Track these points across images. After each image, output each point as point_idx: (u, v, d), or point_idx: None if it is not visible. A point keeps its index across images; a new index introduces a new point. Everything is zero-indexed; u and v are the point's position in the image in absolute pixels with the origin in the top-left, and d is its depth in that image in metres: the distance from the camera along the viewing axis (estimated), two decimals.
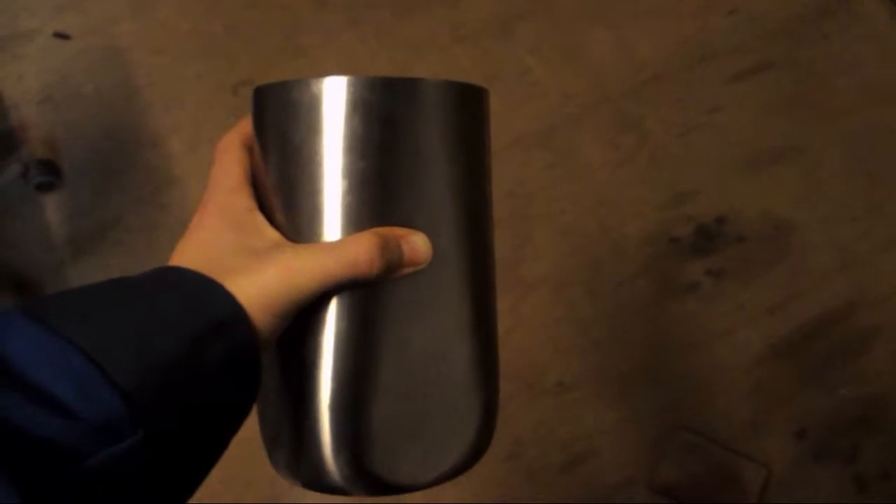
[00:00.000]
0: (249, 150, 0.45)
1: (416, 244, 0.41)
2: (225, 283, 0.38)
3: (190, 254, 0.41)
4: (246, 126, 0.45)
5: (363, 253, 0.39)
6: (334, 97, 0.41)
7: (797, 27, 1.45)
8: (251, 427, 0.41)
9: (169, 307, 0.37)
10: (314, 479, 0.42)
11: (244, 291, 0.38)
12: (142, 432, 0.33)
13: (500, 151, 1.36)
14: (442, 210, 0.43)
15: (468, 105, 0.44)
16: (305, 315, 0.41)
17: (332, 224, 0.41)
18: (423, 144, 0.42)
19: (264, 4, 1.43)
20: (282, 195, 0.42)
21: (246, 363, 0.38)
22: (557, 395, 1.16)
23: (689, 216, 1.28)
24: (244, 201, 0.42)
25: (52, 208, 1.32)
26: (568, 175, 1.31)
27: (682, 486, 1.12)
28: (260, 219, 0.42)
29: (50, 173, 1.32)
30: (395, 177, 0.41)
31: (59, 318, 0.35)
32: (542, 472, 1.13)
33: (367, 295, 0.41)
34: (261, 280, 0.39)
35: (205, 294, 0.38)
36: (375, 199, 0.41)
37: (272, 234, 0.42)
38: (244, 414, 0.39)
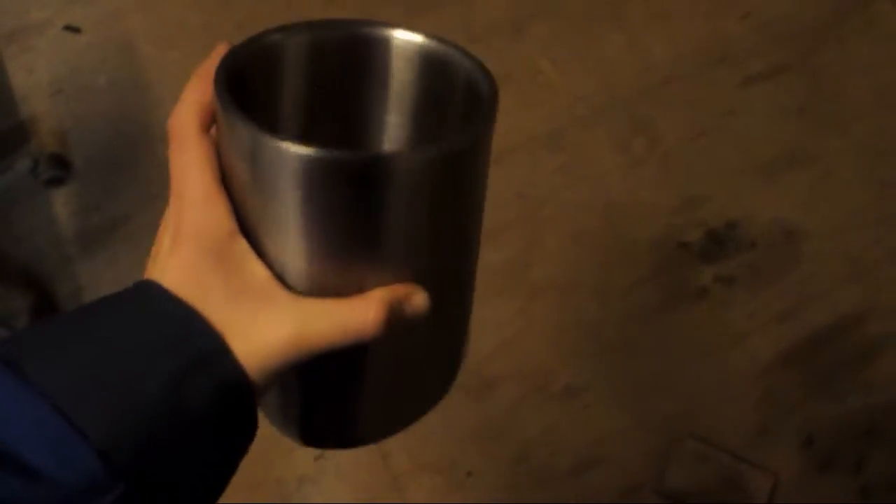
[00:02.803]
0: (209, 131, 0.39)
1: (419, 304, 0.39)
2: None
3: (165, 283, 0.36)
4: (200, 95, 0.38)
5: (371, 323, 0.36)
6: (305, 171, 0.35)
7: (811, 31, 1.44)
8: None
9: (146, 342, 0.34)
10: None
11: (235, 348, 0.35)
12: (122, 485, 0.32)
13: (511, 153, 1.35)
14: (437, 261, 0.41)
15: (463, 165, 0.40)
16: None
17: (329, 276, 0.38)
18: (420, 211, 0.38)
19: (275, 1, 1.42)
20: (264, 226, 0.38)
21: (236, 400, 0.35)
22: (566, 399, 1.16)
23: (699, 221, 1.28)
24: (223, 221, 0.37)
25: (62, 203, 1.32)
26: (578, 177, 1.30)
27: (689, 492, 1.12)
28: (244, 247, 0.37)
29: (60, 168, 1.32)
30: (387, 238, 0.38)
31: (31, 362, 0.32)
32: (549, 476, 1.12)
33: None
34: (257, 338, 0.35)
35: (184, 326, 0.35)
36: (372, 256, 0.38)
37: (260, 270, 0.37)
38: (240, 453, 0.37)
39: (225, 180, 0.38)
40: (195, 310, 0.35)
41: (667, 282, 1.24)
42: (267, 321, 0.36)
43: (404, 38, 0.43)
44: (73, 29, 1.47)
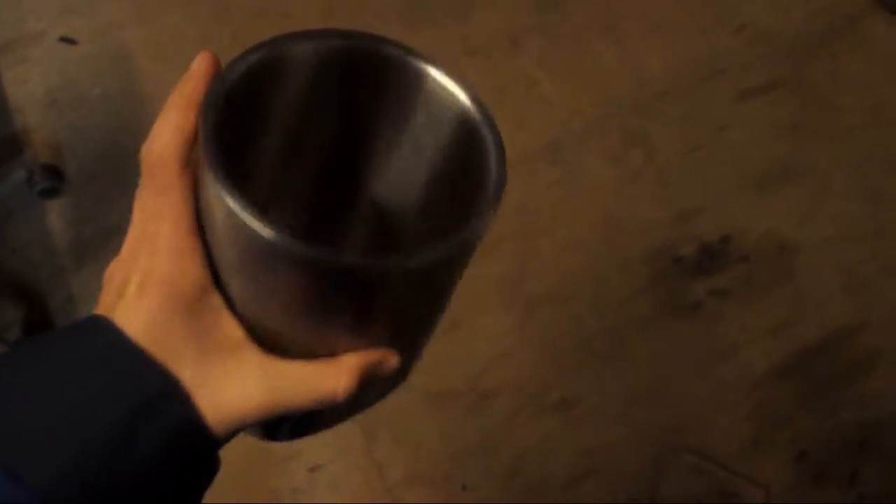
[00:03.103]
0: (192, 166, 0.35)
1: (391, 366, 0.37)
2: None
3: (133, 336, 0.33)
4: (180, 121, 0.34)
5: (343, 390, 0.35)
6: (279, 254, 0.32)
7: (805, 46, 1.45)
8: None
9: (95, 386, 0.32)
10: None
11: (202, 406, 0.33)
12: None
13: (508, 166, 1.35)
14: (414, 329, 0.40)
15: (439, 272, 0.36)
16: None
17: (302, 339, 0.36)
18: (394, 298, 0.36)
19: (272, 14, 1.43)
20: (238, 282, 0.35)
21: (192, 448, 0.33)
22: (561, 411, 1.16)
23: (693, 235, 1.28)
24: (197, 275, 0.34)
25: (56, 214, 1.31)
26: (574, 191, 1.31)
27: None
28: (217, 303, 0.34)
29: (54, 178, 1.31)
30: (365, 316, 0.36)
31: None
32: (544, 488, 1.12)
33: None
34: (224, 399, 0.34)
35: (135, 370, 0.33)
36: (348, 327, 0.36)
37: (232, 329, 0.35)
38: (199, 494, 0.36)
39: (202, 221, 0.35)
40: (148, 354, 0.33)
41: (661, 295, 1.24)
42: (236, 382, 0.34)
43: (444, 84, 0.39)
44: (68, 40, 1.47)
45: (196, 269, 0.34)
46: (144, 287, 0.34)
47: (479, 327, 1.18)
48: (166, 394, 0.32)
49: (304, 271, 0.32)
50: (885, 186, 1.34)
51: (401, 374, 0.46)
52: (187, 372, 0.33)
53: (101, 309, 0.35)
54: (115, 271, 0.36)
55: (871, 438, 1.18)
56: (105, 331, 0.33)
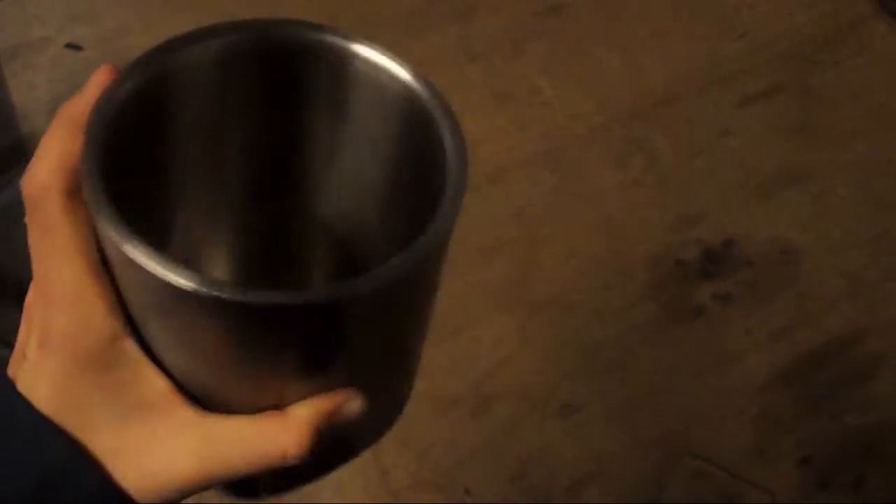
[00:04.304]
0: (79, 195, 0.28)
1: (352, 409, 0.32)
2: (110, 467, 0.28)
3: (40, 403, 0.29)
4: (66, 145, 0.29)
5: (293, 448, 0.30)
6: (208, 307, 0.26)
7: (807, 52, 1.45)
8: None
9: None
10: None
11: (126, 479, 0.28)
12: None
13: (509, 172, 1.36)
14: (376, 366, 0.34)
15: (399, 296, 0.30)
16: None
17: (241, 391, 0.30)
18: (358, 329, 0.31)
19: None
20: (156, 325, 0.29)
21: None
22: (564, 417, 1.16)
23: (697, 239, 1.28)
24: (103, 323, 0.28)
25: None
26: (576, 196, 1.31)
27: None
28: (133, 352, 0.29)
29: None
30: (309, 359, 0.30)
31: None
32: (547, 493, 1.12)
33: None
34: (153, 467, 0.29)
35: (32, 441, 0.28)
36: (292, 372, 0.30)
37: (155, 380, 0.30)
38: None
39: (104, 257, 0.30)
40: (52, 421, 0.28)
41: (664, 300, 1.24)
42: (163, 447, 0.29)
43: (376, 62, 0.33)
44: (74, 47, 1.48)
45: (99, 318, 0.29)
46: (43, 346, 0.29)
47: (481, 333, 1.18)
48: (71, 464, 0.28)
49: (230, 318, 0.27)
50: (888, 191, 1.34)
51: (394, 408, 0.41)
52: (104, 438, 0.29)
53: (11, 366, 0.31)
54: (21, 324, 0.31)
55: (876, 443, 1.18)
56: (6, 398, 0.29)
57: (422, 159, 0.32)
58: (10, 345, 1.12)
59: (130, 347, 0.30)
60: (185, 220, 0.37)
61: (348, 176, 0.37)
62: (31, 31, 1.50)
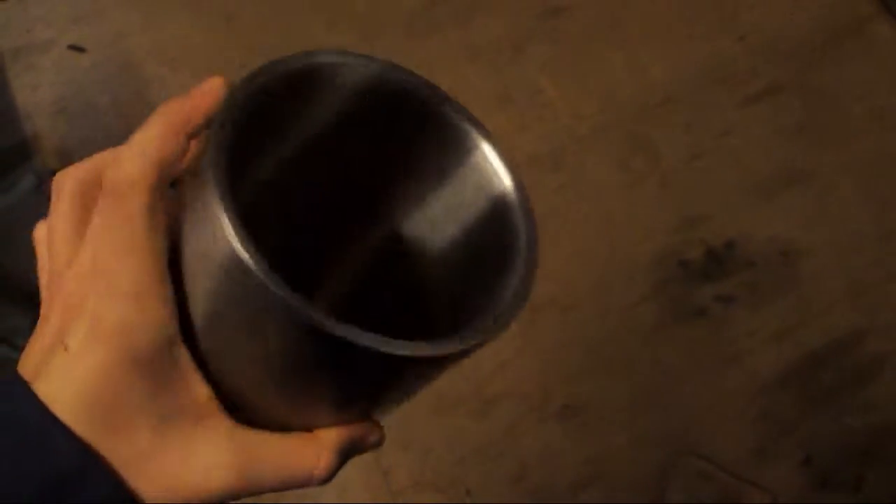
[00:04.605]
0: (164, 200, 0.29)
1: (371, 442, 0.34)
2: (136, 472, 0.28)
3: (74, 397, 0.28)
4: (166, 152, 0.29)
5: (322, 472, 0.31)
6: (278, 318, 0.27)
7: (809, 52, 1.45)
8: None
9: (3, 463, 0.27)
10: None
11: (155, 484, 0.28)
12: None
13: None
14: (394, 404, 0.37)
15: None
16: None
17: (280, 412, 0.32)
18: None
19: (279, 22, 1.44)
20: (212, 337, 0.30)
21: None
22: (565, 418, 1.16)
23: (698, 240, 1.28)
24: (164, 325, 0.28)
25: None
26: (578, 197, 1.31)
27: None
28: (185, 360, 0.29)
29: None
30: (360, 395, 0.33)
31: None
32: (548, 494, 1.12)
33: None
34: (187, 476, 0.29)
35: (41, 445, 0.27)
36: (335, 403, 0.32)
37: (200, 389, 0.30)
38: None
39: (173, 258, 0.30)
40: (60, 424, 0.27)
41: (666, 301, 1.24)
42: (201, 455, 0.29)
43: (492, 162, 0.36)
44: (77, 48, 1.48)
45: (164, 316, 0.28)
46: (93, 337, 0.28)
47: None
48: (82, 468, 0.27)
49: (312, 343, 0.27)
50: (890, 192, 1.34)
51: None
52: (138, 439, 0.28)
53: (33, 358, 0.30)
54: (49, 312, 0.31)
55: (877, 444, 1.18)
56: (17, 398, 0.29)
57: (492, 253, 0.37)
58: (14, 345, 1.13)
59: (182, 354, 0.29)
60: (263, 214, 0.38)
61: (426, 221, 0.40)
62: (34, 33, 1.50)
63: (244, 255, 0.26)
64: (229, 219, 0.27)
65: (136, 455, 0.28)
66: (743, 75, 1.42)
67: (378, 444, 0.34)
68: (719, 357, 1.21)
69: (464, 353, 0.31)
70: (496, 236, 0.37)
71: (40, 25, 1.51)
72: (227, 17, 1.46)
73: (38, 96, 1.45)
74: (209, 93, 0.31)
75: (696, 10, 1.47)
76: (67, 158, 1.38)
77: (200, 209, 0.28)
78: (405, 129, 0.37)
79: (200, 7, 1.47)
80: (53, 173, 1.36)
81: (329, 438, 0.32)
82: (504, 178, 0.39)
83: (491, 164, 0.38)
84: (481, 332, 0.32)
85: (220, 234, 0.27)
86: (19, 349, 1.15)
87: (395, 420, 1.20)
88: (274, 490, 0.31)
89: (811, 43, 1.46)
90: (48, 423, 0.27)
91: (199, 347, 0.30)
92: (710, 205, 1.31)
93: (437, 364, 0.31)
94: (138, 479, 0.28)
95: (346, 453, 0.33)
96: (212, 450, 0.29)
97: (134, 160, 0.29)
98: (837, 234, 1.31)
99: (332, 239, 0.42)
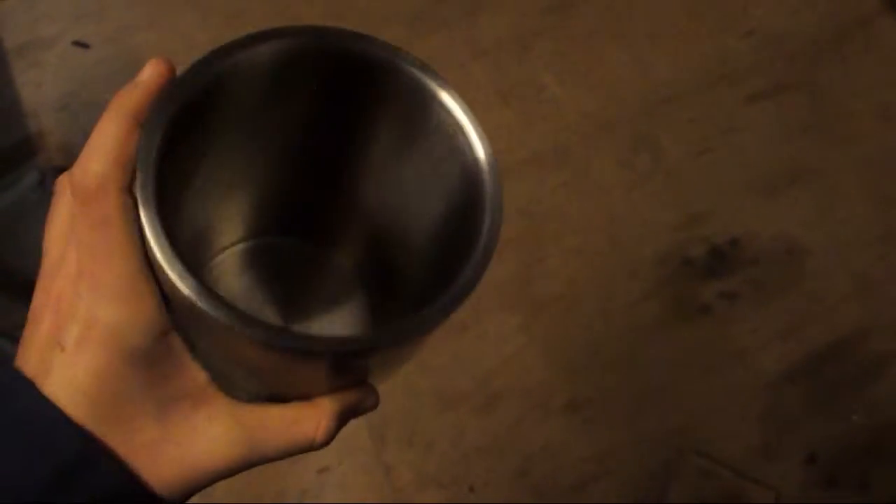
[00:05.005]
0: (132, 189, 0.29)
1: (369, 405, 0.34)
2: (144, 461, 0.29)
3: (75, 395, 0.28)
4: (121, 142, 0.29)
5: (321, 436, 0.32)
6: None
7: (815, 50, 1.45)
8: None
9: (7, 454, 0.28)
10: None
11: (165, 469, 0.29)
12: None
13: (515, 169, 1.36)
14: (388, 372, 0.38)
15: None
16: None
17: (276, 386, 0.33)
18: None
19: (283, 18, 1.44)
20: (202, 326, 0.29)
21: None
22: (568, 414, 1.16)
23: (703, 238, 1.28)
24: (154, 319, 0.28)
25: None
26: (582, 194, 1.31)
27: None
28: (178, 347, 0.30)
29: None
30: (343, 373, 0.33)
31: None
32: (551, 491, 1.12)
33: None
34: (192, 458, 0.30)
35: (46, 435, 0.28)
36: (326, 375, 0.33)
37: (196, 374, 0.30)
38: None
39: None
40: (63, 415, 0.28)
41: (669, 298, 1.24)
42: (205, 435, 0.30)
43: (457, 116, 0.34)
44: (81, 45, 1.48)
45: (151, 314, 0.29)
46: (87, 338, 0.29)
47: (486, 330, 1.18)
48: (87, 457, 0.28)
49: (263, 351, 0.28)
50: (894, 190, 1.34)
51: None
52: (145, 429, 0.29)
53: (31, 356, 0.30)
54: (43, 311, 0.31)
55: (882, 442, 1.18)
56: (21, 393, 0.29)
57: (464, 208, 0.35)
58: (16, 340, 1.13)
59: (175, 342, 0.30)
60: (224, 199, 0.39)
61: (398, 187, 0.39)
62: (38, 29, 1.50)
63: (180, 287, 0.27)
64: (161, 250, 0.27)
65: (142, 444, 0.29)
66: (748, 73, 1.42)
67: (374, 406, 0.35)
68: (723, 354, 1.21)
69: (402, 343, 0.31)
70: (465, 214, 0.35)
71: (45, 21, 1.51)
72: (231, 14, 1.47)
73: (42, 93, 1.45)
74: (156, 79, 0.31)
75: (701, 6, 1.47)
76: (71, 155, 1.38)
77: (141, 230, 0.28)
78: (358, 91, 0.35)
79: (205, 4, 1.47)
80: (57, 170, 1.37)
81: (326, 405, 0.33)
82: (476, 148, 0.35)
83: (461, 127, 0.35)
84: (418, 324, 0.31)
85: (157, 265, 0.28)
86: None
87: (398, 415, 1.20)
88: (278, 458, 0.32)
89: (817, 40, 1.45)
90: (53, 416, 0.28)
91: (188, 337, 0.31)
92: (714, 202, 1.31)
93: (386, 352, 0.32)
94: (147, 468, 0.29)
95: (344, 418, 0.33)
96: (215, 429, 0.30)
97: (97, 160, 0.29)
98: (842, 231, 1.30)
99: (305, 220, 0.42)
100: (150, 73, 0.31)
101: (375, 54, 0.35)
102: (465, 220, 0.34)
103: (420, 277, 0.39)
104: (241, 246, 0.41)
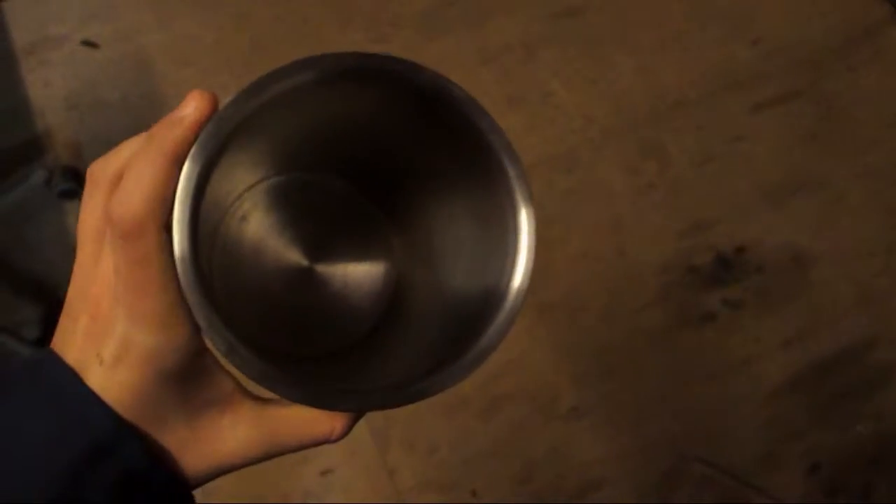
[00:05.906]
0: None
1: None
2: (175, 457, 0.31)
3: (106, 397, 0.29)
4: (161, 182, 0.29)
5: (338, 431, 0.34)
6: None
7: (822, 58, 1.45)
8: None
9: (34, 434, 0.29)
10: None
11: (194, 463, 0.31)
12: None
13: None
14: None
15: None
16: None
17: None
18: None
19: (290, 21, 1.44)
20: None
21: (150, 489, 0.30)
22: (571, 420, 1.16)
23: (708, 245, 1.28)
24: (189, 343, 0.30)
25: (75, 215, 1.33)
26: (588, 200, 1.31)
27: None
28: (211, 362, 0.31)
29: (74, 180, 1.33)
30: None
31: None
32: (554, 497, 1.12)
33: None
34: (214, 449, 0.32)
35: (78, 415, 0.29)
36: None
37: (226, 382, 0.32)
38: None
39: None
40: (95, 396, 0.29)
41: (674, 305, 1.24)
42: (231, 435, 0.33)
43: (498, 147, 0.35)
44: (90, 44, 1.49)
45: (187, 339, 0.30)
46: (124, 358, 0.30)
47: None
48: (117, 438, 0.29)
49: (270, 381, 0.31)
50: None
51: None
52: (175, 431, 0.31)
53: (69, 351, 0.31)
54: (80, 309, 0.31)
55: (886, 452, 1.17)
56: (53, 373, 0.30)
57: (494, 233, 0.37)
58: (21, 338, 1.13)
59: (209, 358, 0.32)
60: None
61: (420, 203, 0.41)
62: (47, 29, 1.51)
63: (213, 340, 0.30)
64: (193, 298, 0.29)
65: (172, 444, 0.31)
66: (755, 81, 1.42)
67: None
68: (727, 362, 1.21)
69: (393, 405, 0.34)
70: (496, 268, 0.37)
71: (54, 21, 1.51)
72: (238, 15, 1.47)
73: (50, 92, 1.45)
74: (197, 116, 0.31)
75: (709, 14, 1.47)
76: (78, 154, 1.39)
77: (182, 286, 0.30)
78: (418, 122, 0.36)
79: (213, 5, 1.47)
80: (65, 168, 1.37)
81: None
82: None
83: (512, 190, 0.36)
84: (416, 389, 0.35)
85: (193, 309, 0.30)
86: (27, 341, 1.16)
87: (401, 419, 1.20)
88: (297, 451, 0.34)
89: (824, 49, 1.45)
90: (89, 398, 0.29)
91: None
92: (720, 210, 1.31)
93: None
94: (178, 462, 0.32)
95: (358, 416, 0.35)
96: (239, 431, 0.33)
97: (136, 196, 0.29)
98: (848, 241, 1.30)
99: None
100: (191, 109, 0.31)
101: (429, 83, 0.35)
102: (496, 234, 0.36)
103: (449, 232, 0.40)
104: (272, 180, 0.42)
